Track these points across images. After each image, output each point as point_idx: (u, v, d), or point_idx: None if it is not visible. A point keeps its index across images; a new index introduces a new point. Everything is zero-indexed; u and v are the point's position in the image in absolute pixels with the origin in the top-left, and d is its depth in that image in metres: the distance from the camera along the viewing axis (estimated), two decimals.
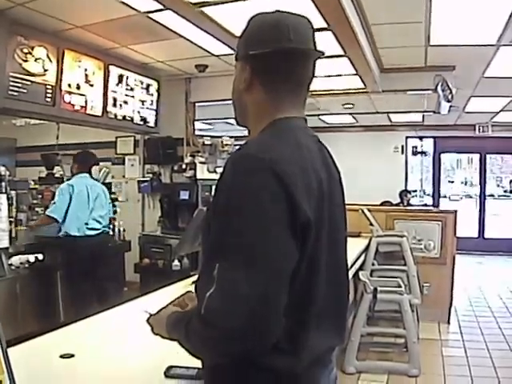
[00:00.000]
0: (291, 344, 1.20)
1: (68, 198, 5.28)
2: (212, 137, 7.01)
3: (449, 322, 6.17)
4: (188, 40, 5.45)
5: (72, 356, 1.85)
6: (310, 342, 1.22)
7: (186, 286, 3.18)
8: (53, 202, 5.32)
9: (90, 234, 5.42)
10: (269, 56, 1.32)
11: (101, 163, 7.22)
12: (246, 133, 1.45)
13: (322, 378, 1.32)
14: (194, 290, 1.37)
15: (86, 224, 5.40)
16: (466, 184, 15.58)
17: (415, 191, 11.99)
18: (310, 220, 1.17)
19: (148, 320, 1.47)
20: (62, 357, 1.83)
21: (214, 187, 1.28)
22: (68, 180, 5.65)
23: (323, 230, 1.24)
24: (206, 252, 1.23)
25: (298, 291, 1.18)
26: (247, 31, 1.38)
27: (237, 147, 1.40)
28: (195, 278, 3.24)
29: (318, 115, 9.92)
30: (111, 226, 6.41)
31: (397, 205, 9.54)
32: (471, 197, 13.98)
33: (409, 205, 9.96)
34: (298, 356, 1.20)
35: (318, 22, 4.47)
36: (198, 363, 1.35)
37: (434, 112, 7.34)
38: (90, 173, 5.65)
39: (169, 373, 1.70)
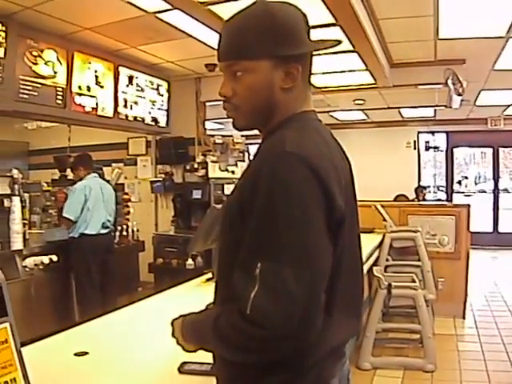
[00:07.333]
0: None
1: (83, 198, 5.27)
2: (223, 136, 7.03)
3: (464, 317, 6.12)
4: (197, 39, 5.45)
5: (86, 353, 1.85)
6: (329, 332, 1.20)
7: (198, 283, 3.19)
8: (67, 202, 5.30)
9: (104, 232, 5.48)
10: (310, 53, 1.34)
11: (113, 164, 7.25)
12: (255, 132, 1.41)
13: (336, 370, 1.31)
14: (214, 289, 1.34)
15: (103, 223, 5.46)
16: (479, 178, 15.45)
17: (428, 187, 11.92)
18: (344, 216, 1.20)
19: (172, 322, 1.42)
20: (76, 354, 1.84)
21: (242, 185, 1.23)
22: (79, 180, 5.53)
23: (347, 223, 1.24)
24: (242, 252, 1.16)
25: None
26: (268, 25, 1.29)
27: (248, 146, 1.37)
28: (208, 275, 3.25)
29: (329, 112, 9.90)
30: (124, 227, 6.46)
31: (413, 200, 9.52)
32: (485, 191, 13.87)
33: (424, 200, 9.93)
34: (315, 347, 1.16)
35: (326, 17, 4.46)
36: (211, 359, 1.35)
37: (446, 106, 7.28)
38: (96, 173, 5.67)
39: (183, 369, 1.70)
